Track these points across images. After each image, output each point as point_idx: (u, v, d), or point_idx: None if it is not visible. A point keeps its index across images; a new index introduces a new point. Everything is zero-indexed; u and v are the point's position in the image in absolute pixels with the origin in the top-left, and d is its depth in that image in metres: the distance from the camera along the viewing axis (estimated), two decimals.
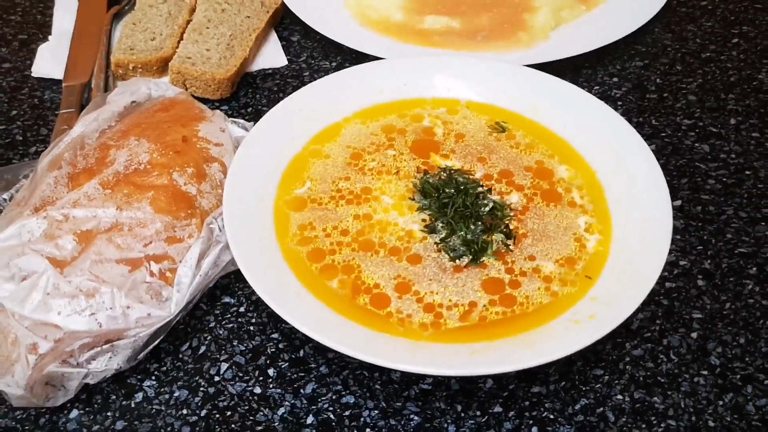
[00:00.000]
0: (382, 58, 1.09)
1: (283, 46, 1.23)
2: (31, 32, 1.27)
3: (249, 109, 1.14)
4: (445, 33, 1.19)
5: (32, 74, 1.17)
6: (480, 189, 0.90)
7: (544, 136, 0.97)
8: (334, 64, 1.21)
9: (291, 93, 1.03)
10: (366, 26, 1.22)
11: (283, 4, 1.25)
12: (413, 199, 0.89)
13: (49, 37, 1.23)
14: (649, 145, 0.92)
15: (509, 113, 0.99)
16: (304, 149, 0.95)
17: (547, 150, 0.95)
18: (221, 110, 1.11)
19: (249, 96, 1.16)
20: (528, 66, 1.04)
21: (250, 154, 0.90)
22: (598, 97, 0.99)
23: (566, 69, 1.16)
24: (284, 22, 1.27)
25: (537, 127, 0.98)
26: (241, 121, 1.05)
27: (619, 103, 1.14)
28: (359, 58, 1.16)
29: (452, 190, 0.89)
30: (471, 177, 0.91)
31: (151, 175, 0.87)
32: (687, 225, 0.95)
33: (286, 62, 1.20)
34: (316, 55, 1.22)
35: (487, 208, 0.87)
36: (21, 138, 1.08)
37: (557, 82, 0.99)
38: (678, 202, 0.97)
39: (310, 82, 1.04)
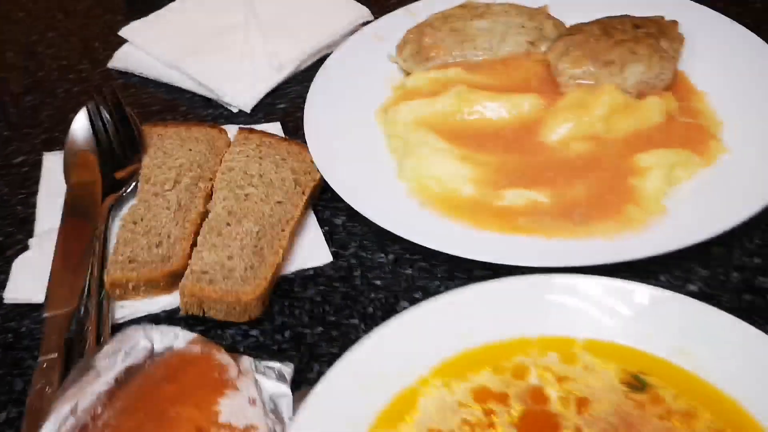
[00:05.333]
0: (451, 255, 0.85)
1: (325, 233, 0.97)
2: (8, 231, 1.01)
3: (286, 333, 0.87)
4: (532, 212, 0.92)
5: (4, 300, 0.91)
6: None
7: (705, 397, 0.68)
8: (391, 256, 0.94)
9: (339, 303, 0.86)
10: (428, 205, 0.95)
11: (322, 180, 0.98)
12: None
13: (30, 242, 0.97)
14: None
15: (648, 358, 0.71)
16: None
17: (713, 422, 0.66)
18: (250, 337, 0.85)
19: (285, 313, 0.89)
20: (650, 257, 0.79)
21: None
22: (743, 286, 0.77)
23: (691, 249, 0.87)
24: (324, 197, 1.00)
25: (692, 381, 0.69)
26: (277, 365, 0.78)
27: None
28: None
29: None
30: None
31: None
32: None
33: (330, 258, 0.94)
34: (368, 244, 0.96)
35: None
36: None
37: (714, 313, 0.71)
38: None
39: (362, 285, 0.88)
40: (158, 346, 0.75)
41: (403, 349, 0.71)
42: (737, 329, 0.70)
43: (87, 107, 1.10)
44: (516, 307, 0.74)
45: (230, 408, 0.69)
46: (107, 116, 1.08)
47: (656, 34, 1.10)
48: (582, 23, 1.14)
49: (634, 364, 0.71)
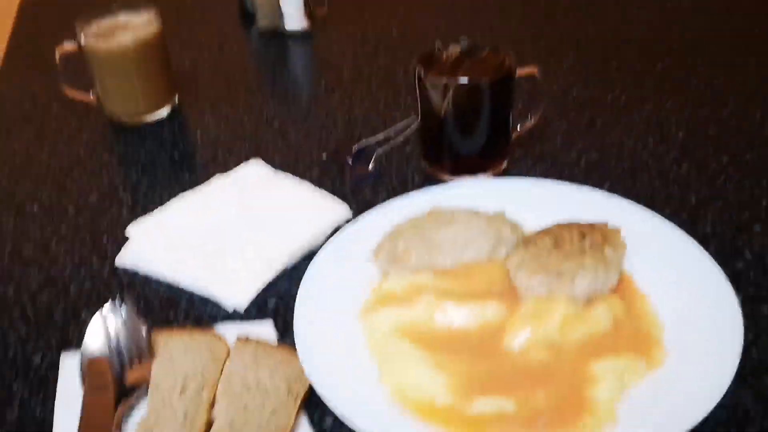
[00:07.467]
0: None
1: None
2: None
3: None
4: (499, 419, 1.06)
5: None
6: None
7: None
8: None
9: None
10: (408, 409, 1.08)
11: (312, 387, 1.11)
12: None
13: None
14: None
15: None
16: None
17: None
18: None
19: None
20: None
21: None
22: None
23: None
24: (313, 399, 1.13)
25: None
26: None
27: None
28: None
29: None
30: None
31: None
32: None
33: None
34: None
35: None
36: None
37: None
38: None
39: None
40: None
41: None
42: None
43: (101, 313, 1.23)
44: None
45: None
46: (119, 323, 1.21)
47: (601, 242, 1.27)
48: (535, 233, 1.30)
49: None
